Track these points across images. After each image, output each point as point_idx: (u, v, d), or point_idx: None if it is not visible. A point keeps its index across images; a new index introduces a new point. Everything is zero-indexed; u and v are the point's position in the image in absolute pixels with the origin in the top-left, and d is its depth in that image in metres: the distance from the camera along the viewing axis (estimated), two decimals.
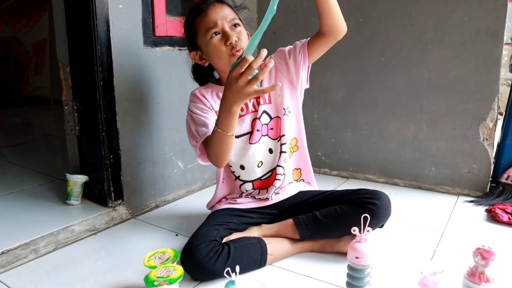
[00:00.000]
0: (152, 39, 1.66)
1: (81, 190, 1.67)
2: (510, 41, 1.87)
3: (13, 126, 3.80)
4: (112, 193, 1.62)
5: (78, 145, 1.70)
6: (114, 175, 1.61)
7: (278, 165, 1.42)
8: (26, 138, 3.29)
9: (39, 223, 1.50)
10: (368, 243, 0.99)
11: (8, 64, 5.15)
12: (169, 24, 1.71)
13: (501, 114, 1.93)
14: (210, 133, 1.25)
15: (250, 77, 1.03)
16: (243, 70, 1.03)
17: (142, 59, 1.64)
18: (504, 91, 1.98)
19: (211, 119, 1.31)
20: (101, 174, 1.62)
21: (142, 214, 1.70)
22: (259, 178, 1.43)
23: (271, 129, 1.41)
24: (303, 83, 1.39)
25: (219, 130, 1.15)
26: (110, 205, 1.63)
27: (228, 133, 1.15)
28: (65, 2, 1.60)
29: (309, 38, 1.34)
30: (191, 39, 1.36)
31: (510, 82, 1.85)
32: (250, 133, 1.39)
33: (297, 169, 1.49)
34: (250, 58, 1.02)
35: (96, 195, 1.68)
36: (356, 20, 1.96)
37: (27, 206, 1.68)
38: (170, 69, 1.75)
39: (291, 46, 1.37)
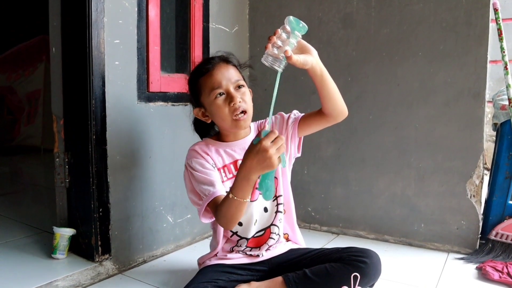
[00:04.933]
0: (146, 94, 1.70)
1: (67, 244, 1.64)
2: (492, 99, 1.94)
3: (1, 175, 3.76)
4: (100, 248, 1.59)
5: (67, 198, 1.69)
6: (103, 229, 1.59)
7: (273, 224, 1.42)
8: (14, 187, 3.25)
9: (21, 278, 1.46)
10: None
11: (0, 113, 5.18)
12: (163, 81, 1.76)
13: (488, 170, 1.97)
14: (217, 193, 1.25)
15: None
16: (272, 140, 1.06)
17: (135, 114, 1.67)
18: (489, 147, 2.03)
19: (216, 177, 1.31)
20: (89, 227, 1.60)
21: (129, 269, 1.66)
22: (253, 236, 1.42)
23: None
24: (292, 152, 1.42)
25: (235, 198, 1.14)
26: (97, 259, 1.59)
27: (244, 200, 1.15)
28: (63, 57, 1.65)
29: (306, 113, 1.39)
30: (195, 96, 1.39)
31: (495, 139, 1.90)
32: None
33: (284, 233, 1.49)
34: (277, 132, 1.07)
35: (83, 249, 1.65)
36: (344, 79, 2.03)
37: (11, 259, 1.64)
38: (163, 124, 1.78)
39: (290, 114, 1.42)
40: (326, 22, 2.08)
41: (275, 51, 1.07)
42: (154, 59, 1.72)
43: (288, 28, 1.08)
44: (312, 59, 1.16)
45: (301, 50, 1.15)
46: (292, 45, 1.09)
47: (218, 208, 1.22)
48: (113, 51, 1.58)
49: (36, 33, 4.72)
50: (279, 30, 1.08)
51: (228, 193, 1.17)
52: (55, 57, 1.67)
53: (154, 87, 1.73)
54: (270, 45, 1.07)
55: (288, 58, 1.07)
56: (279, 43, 1.07)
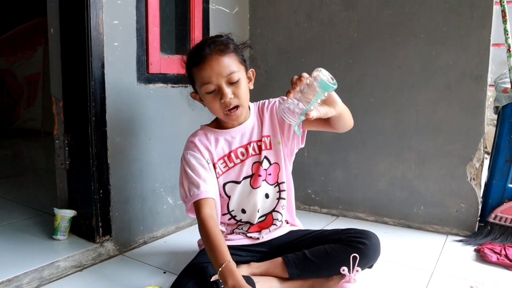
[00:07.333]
0: (146, 76, 1.69)
1: (68, 225, 1.65)
2: (494, 83, 1.93)
3: (2, 158, 3.77)
4: (100, 229, 1.60)
5: (68, 180, 1.69)
6: (103, 210, 1.60)
7: (275, 210, 1.42)
8: (15, 170, 3.26)
9: (23, 259, 1.47)
10: (357, 283, 0.99)
11: None
12: (163, 62, 1.75)
13: (488, 154, 1.96)
14: (201, 196, 1.24)
15: None
16: None
17: (135, 95, 1.66)
18: (490, 131, 2.02)
19: (206, 177, 1.29)
20: (89, 209, 1.61)
21: (129, 250, 1.68)
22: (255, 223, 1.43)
23: (269, 174, 1.40)
24: (295, 144, 1.39)
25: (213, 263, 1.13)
26: (98, 240, 1.61)
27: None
28: (61, 38, 1.63)
29: None
30: (191, 82, 1.35)
31: (496, 122, 1.89)
32: (251, 176, 1.38)
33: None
34: None
35: (83, 230, 1.66)
36: (345, 61, 2.01)
37: (12, 240, 1.65)
38: (163, 105, 1.77)
39: None
40: (328, 3, 2.05)
41: (296, 107, 0.99)
42: (154, 40, 1.70)
43: (315, 84, 0.97)
44: (333, 112, 1.10)
45: (325, 100, 1.06)
46: (315, 103, 1.00)
47: (201, 228, 1.20)
48: (112, 32, 1.56)
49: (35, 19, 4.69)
50: (304, 80, 1.00)
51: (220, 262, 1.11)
52: (54, 38, 1.66)
53: (154, 68, 1.71)
54: (291, 95, 1.00)
55: (307, 116, 1.02)
56: (300, 96, 0.99)
